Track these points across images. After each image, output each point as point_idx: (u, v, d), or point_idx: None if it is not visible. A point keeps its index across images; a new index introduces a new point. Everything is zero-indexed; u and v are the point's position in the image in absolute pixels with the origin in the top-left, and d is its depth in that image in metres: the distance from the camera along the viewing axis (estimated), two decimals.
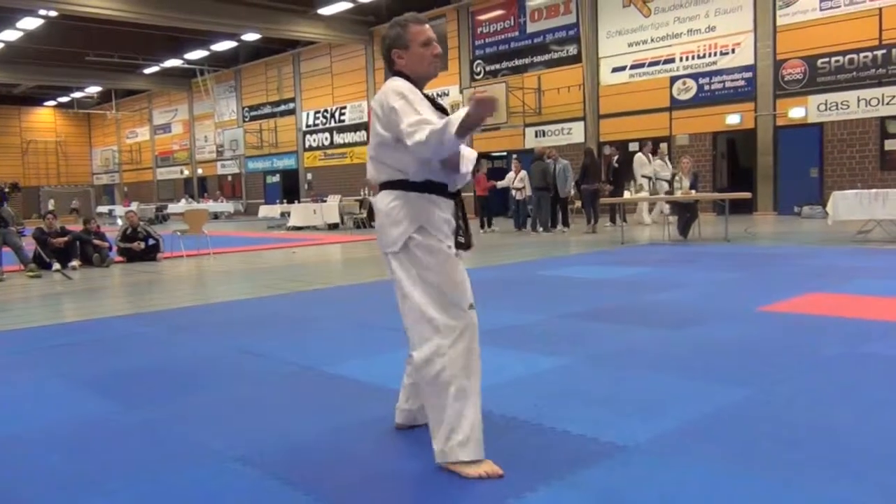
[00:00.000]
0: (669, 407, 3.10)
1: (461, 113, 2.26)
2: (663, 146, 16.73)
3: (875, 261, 7.96)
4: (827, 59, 16.06)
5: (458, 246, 2.57)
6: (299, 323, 5.62)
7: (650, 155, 16.07)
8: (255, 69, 32.41)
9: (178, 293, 7.77)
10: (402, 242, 2.50)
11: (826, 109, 16.19)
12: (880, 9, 15.30)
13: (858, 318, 4.91)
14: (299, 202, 22.49)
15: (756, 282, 6.79)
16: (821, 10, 16.08)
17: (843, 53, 15.81)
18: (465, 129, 2.26)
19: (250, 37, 27.30)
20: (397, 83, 2.52)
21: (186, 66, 32.38)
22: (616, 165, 15.85)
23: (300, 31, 25.31)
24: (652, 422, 2.91)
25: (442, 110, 2.55)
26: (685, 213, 11.59)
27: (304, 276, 8.91)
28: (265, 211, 24.62)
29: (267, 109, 32.14)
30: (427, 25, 2.62)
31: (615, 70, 19.76)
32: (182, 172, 38.74)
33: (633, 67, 19.37)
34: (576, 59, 20.47)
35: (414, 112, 2.39)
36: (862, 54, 15.60)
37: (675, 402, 3.16)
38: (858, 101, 15.70)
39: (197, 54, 30.85)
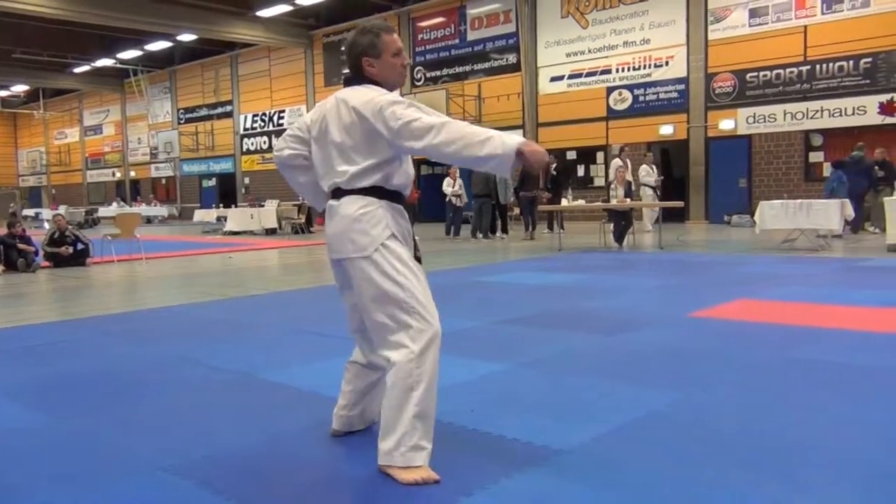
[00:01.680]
0: (603, 411, 3.16)
1: (514, 139, 2.34)
2: (649, 154, 16.47)
3: (799, 268, 8.28)
4: (755, 74, 16.66)
5: (416, 259, 2.62)
6: (235, 329, 5.52)
7: (627, 161, 15.23)
8: (191, 70, 31.78)
9: (108, 299, 7.55)
10: (375, 248, 2.49)
11: (754, 122, 16.78)
12: (805, 27, 15.96)
13: (784, 323, 5.09)
14: (236, 206, 22.13)
15: (687, 289, 6.98)
16: (749, 26, 16.68)
17: (771, 68, 16.43)
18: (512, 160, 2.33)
19: (186, 37, 26.77)
20: (388, 94, 2.53)
21: (119, 65, 31.52)
22: (554, 173, 16.07)
23: (238, 32, 24.94)
24: (586, 426, 2.96)
25: None
26: (620, 221, 11.84)
27: (240, 282, 8.77)
28: (201, 215, 24.16)
29: (203, 112, 31.55)
30: (396, 35, 2.67)
31: (553, 79, 20.08)
32: (114, 175, 37.66)
33: (570, 77, 19.72)
34: (515, 67, 20.72)
35: (428, 113, 2.44)
36: (788, 70, 16.24)
37: (609, 407, 3.23)
38: (785, 114, 16.34)
39: (130, 54, 30.07)
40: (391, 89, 2.62)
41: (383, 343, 2.50)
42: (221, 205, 25.34)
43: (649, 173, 15.63)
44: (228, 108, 30.35)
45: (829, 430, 2.86)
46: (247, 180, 29.62)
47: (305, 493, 2.42)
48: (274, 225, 18.90)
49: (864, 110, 15.36)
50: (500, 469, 2.52)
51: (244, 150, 29.87)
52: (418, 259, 2.63)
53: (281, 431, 3.03)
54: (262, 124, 28.92)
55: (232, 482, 2.50)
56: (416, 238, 2.70)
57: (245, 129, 29.70)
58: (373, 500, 2.36)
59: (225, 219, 20.29)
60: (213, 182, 31.67)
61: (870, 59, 15.26)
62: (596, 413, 3.13)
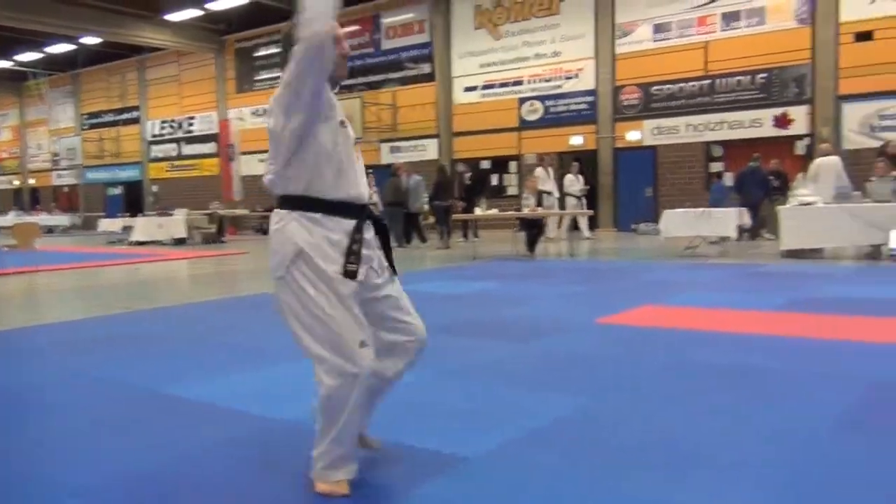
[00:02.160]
0: (513, 417, 3.22)
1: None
2: (575, 164, 16.60)
3: (700, 274, 8.64)
4: (660, 87, 17.32)
5: (346, 273, 2.34)
6: (141, 343, 5.34)
7: (549, 169, 15.85)
8: (95, 74, 30.59)
9: (4, 313, 7.17)
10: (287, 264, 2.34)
11: (659, 133, 17.43)
12: (706, 42, 16.71)
13: (684, 328, 5.31)
14: (143, 216, 21.39)
15: (596, 295, 7.18)
16: (654, 41, 17.33)
17: (674, 82, 17.12)
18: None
19: (90, 40, 25.77)
20: None
21: (17, 68, 30.05)
22: (468, 182, 16.24)
23: (146, 36, 24.17)
24: (495, 433, 3.01)
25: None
26: (532, 230, 12.07)
27: (147, 294, 8.49)
28: (106, 225, 23.19)
29: (109, 117, 30.42)
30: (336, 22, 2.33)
31: (467, 89, 20.31)
32: (11, 183, 35.82)
33: (484, 88, 20.00)
34: (430, 77, 20.86)
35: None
36: (690, 83, 16.95)
37: (519, 413, 3.29)
38: (687, 126, 17.04)
39: (29, 56, 28.71)
40: (332, 83, 2.42)
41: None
42: (128, 214, 24.41)
43: (573, 182, 15.83)
44: (135, 113, 29.37)
45: (724, 432, 3.00)
46: (155, 188, 28.71)
47: None
48: (183, 234, 18.34)
49: (761, 123, 16.18)
50: (407, 478, 2.54)
51: (152, 157, 28.95)
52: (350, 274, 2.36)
53: (188, 450, 2.96)
54: (171, 130, 28.11)
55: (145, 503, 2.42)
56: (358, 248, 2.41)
57: (153, 136, 28.79)
58: None
59: (131, 228, 19.58)
60: (118, 190, 30.54)
61: (765, 75, 16.09)
62: (505, 420, 3.19)
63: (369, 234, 2.46)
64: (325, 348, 2.29)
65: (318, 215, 2.35)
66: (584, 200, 16.07)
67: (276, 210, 2.42)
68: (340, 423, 2.30)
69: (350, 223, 2.38)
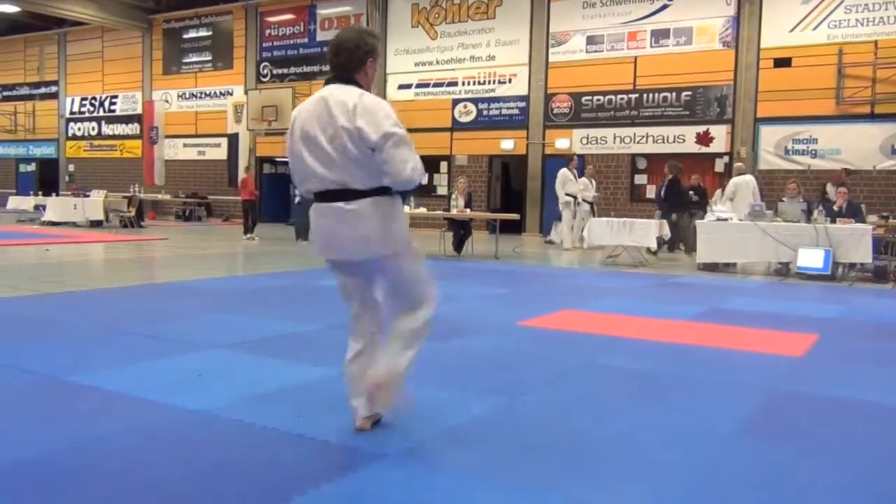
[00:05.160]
0: (430, 416, 3.24)
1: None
2: (590, 167, 15.56)
3: (620, 282, 8.87)
4: (590, 98, 17.68)
5: None
6: (46, 328, 5.13)
7: (575, 171, 14.51)
8: (12, 44, 29.13)
9: None
10: (408, 240, 2.92)
11: (588, 143, 17.79)
12: (635, 57, 17.14)
13: (599, 333, 5.44)
14: (58, 195, 20.54)
15: (518, 298, 7.29)
16: (586, 52, 17.68)
17: (604, 94, 17.50)
18: None
19: (8, 8, 24.54)
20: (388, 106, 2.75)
21: None
22: None
23: (68, 9, 23.14)
24: (411, 431, 3.02)
25: None
26: (459, 231, 12.14)
27: (56, 277, 8.15)
28: (16, 202, 22.12)
29: (24, 90, 29.04)
30: None
31: (402, 87, 20.27)
32: None
33: (418, 86, 19.99)
34: None
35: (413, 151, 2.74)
36: (619, 96, 17.36)
37: (435, 411, 3.31)
38: (614, 137, 17.45)
39: None
40: (368, 90, 2.81)
41: (416, 304, 3.08)
42: (41, 192, 23.37)
43: (587, 187, 14.47)
44: (54, 88, 28.12)
45: (631, 433, 3.10)
46: (71, 167, 27.56)
47: (112, 500, 2.30)
48: (100, 217, 17.68)
49: (684, 139, 16.71)
50: (320, 474, 2.53)
51: (70, 134, 27.78)
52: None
53: (87, 437, 2.86)
54: (92, 109, 27.04)
55: (32, 493, 2.33)
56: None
57: (72, 113, 27.63)
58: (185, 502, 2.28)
59: (44, 207, 18.76)
60: (32, 167, 29.18)
61: (689, 93, 16.63)
62: (422, 418, 3.20)
63: None
64: (433, 288, 3.07)
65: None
66: (594, 208, 14.43)
67: (374, 197, 2.75)
68: (425, 337, 3.04)
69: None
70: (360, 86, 2.76)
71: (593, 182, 15.08)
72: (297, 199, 15.08)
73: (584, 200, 14.26)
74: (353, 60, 2.77)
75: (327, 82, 2.80)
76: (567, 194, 14.11)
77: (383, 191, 2.76)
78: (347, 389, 3.02)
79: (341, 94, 2.70)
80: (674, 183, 13.84)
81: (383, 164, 2.66)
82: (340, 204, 2.73)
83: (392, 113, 2.71)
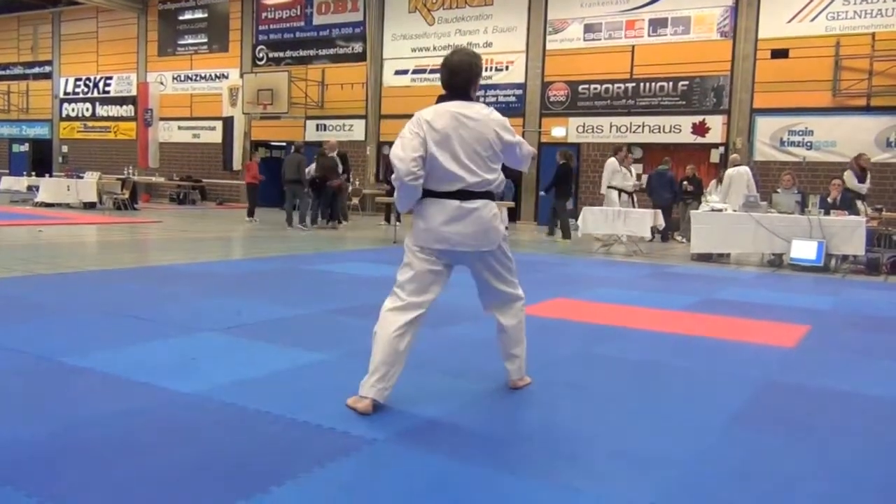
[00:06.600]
0: (422, 401, 3.25)
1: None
2: (630, 155, 14.74)
3: (613, 271, 8.89)
4: (587, 86, 17.65)
5: None
6: (39, 309, 5.12)
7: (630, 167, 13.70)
8: (6, 23, 28.88)
9: None
10: (505, 236, 3.39)
11: (584, 131, 17.78)
12: (633, 46, 17.11)
13: (592, 322, 5.46)
14: (51, 176, 20.43)
15: None
16: (584, 40, 17.63)
17: (601, 82, 17.47)
18: None
19: None
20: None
21: None
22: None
23: None
24: (403, 416, 3.03)
25: None
26: None
27: (50, 258, 8.13)
28: (9, 183, 22.00)
29: (18, 70, 28.81)
30: None
31: (398, 72, 20.19)
32: None
33: (415, 72, 19.91)
34: (361, 57, 20.63)
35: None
36: (616, 85, 17.34)
37: (428, 397, 3.32)
38: (611, 126, 17.44)
39: None
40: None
41: (518, 293, 3.71)
42: (34, 173, 23.24)
43: (627, 176, 13.33)
44: (47, 68, 27.92)
45: (622, 422, 3.11)
46: (65, 148, 27.42)
47: (101, 484, 2.30)
48: (93, 199, 17.60)
49: (680, 129, 16.71)
50: (312, 458, 2.53)
51: (64, 115, 27.61)
52: None
53: (80, 419, 2.86)
54: (87, 90, 26.87)
55: (24, 473, 2.33)
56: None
57: (66, 93, 27.45)
58: (177, 488, 2.28)
59: (37, 188, 18.67)
60: (25, 147, 29.02)
61: (686, 83, 16.61)
62: (414, 404, 3.21)
63: None
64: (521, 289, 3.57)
65: None
66: (634, 198, 13.34)
67: (487, 199, 3.26)
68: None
69: None
70: (473, 100, 3.27)
71: (632, 171, 13.92)
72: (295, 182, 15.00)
73: (623, 191, 13.10)
74: (469, 81, 3.24)
75: (442, 99, 3.26)
76: (609, 186, 13.04)
77: (491, 194, 3.28)
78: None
79: (468, 110, 3.20)
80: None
81: (522, 159, 3.46)
82: (473, 202, 3.17)
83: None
